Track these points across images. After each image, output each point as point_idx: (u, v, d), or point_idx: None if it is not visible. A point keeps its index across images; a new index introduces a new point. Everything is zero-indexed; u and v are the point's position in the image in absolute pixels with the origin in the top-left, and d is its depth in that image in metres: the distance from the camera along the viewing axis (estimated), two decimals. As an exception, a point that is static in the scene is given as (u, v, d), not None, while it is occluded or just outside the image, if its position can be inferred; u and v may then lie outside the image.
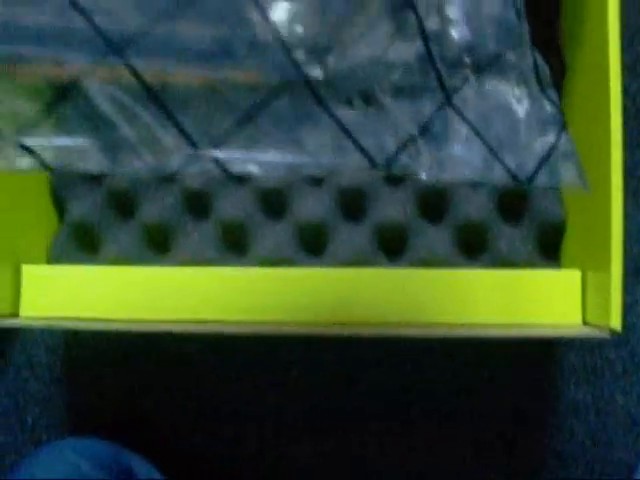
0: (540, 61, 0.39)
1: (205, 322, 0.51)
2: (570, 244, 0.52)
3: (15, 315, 0.52)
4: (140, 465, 0.57)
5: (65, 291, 0.52)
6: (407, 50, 0.35)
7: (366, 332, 0.51)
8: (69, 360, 0.65)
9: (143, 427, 0.63)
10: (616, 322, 0.43)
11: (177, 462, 0.62)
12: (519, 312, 0.48)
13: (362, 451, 0.63)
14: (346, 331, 0.50)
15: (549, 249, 0.54)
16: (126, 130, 0.32)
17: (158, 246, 0.57)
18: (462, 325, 0.48)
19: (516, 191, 0.54)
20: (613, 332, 0.43)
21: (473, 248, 0.55)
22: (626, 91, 0.62)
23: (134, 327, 0.51)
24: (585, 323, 0.48)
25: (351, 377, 0.63)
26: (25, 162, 0.32)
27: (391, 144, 0.34)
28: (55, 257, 0.57)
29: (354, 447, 0.63)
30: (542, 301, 0.48)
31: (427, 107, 0.36)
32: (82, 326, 0.53)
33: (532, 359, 0.62)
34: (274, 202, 0.57)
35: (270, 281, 0.50)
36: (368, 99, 0.35)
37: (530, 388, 0.62)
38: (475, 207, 0.54)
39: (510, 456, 0.62)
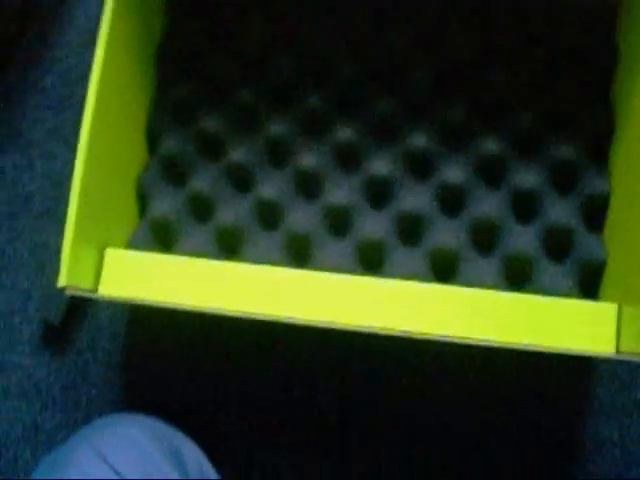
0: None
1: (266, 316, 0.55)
2: (609, 281, 0.57)
3: (94, 291, 0.57)
4: (190, 448, 0.60)
5: (140, 275, 0.57)
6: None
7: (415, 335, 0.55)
8: (129, 348, 0.70)
9: (194, 418, 0.67)
10: None
11: (223, 449, 0.66)
12: (554, 337, 0.52)
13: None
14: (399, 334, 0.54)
15: (589, 287, 0.58)
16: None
17: (228, 249, 0.63)
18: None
19: (562, 230, 0.59)
20: None
21: (518, 280, 0.59)
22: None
23: (199, 309, 0.55)
24: (618, 352, 0.51)
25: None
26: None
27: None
28: (132, 248, 0.62)
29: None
30: (577, 329, 0.52)
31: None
32: (151, 302, 0.58)
33: (562, 392, 0.65)
34: (340, 219, 0.62)
35: (330, 287, 0.55)
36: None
37: (558, 420, 0.65)
38: (523, 242, 0.59)
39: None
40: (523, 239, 0.59)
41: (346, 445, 0.67)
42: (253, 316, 0.55)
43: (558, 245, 0.59)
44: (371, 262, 0.61)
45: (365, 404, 0.67)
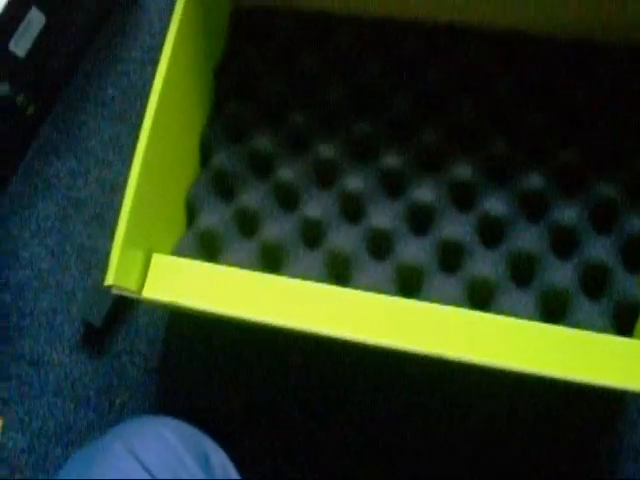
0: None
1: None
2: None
3: (138, 293, 0.59)
4: (217, 454, 0.61)
5: (183, 281, 0.58)
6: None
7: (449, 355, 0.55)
8: (166, 354, 0.71)
9: (224, 426, 0.68)
10: None
11: (249, 458, 0.67)
12: (587, 370, 0.52)
13: None
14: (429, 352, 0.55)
15: (624, 326, 0.59)
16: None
17: (271, 264, 0.64)
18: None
19: (599, 267, 0.59)
20: None
21: (553, 314, 0.60)
22: None
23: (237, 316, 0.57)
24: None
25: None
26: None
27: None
28: (178, 256, 0.64)
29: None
30: (610, 363, 0.52)
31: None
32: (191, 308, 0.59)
33: (591, 430, 0.65)
34: (381, 243, 0.63)
35: (373, 307, 0.56)
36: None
37: (581, 459, 0.65)
38: (561, 277, 0.60)
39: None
40: (560, 274, 0.60)
41: (371, 465, 0.67)
42: (289, 329, 0.56)
43: (595, 283, 0.60)
44: (409, 287, 0.62)
45: (394, 423, 0.68)
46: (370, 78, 0.69)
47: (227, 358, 0.71)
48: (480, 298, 0.61)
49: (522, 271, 0.61)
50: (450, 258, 0.62)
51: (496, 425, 0.67)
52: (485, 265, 0.61)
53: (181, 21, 0.62)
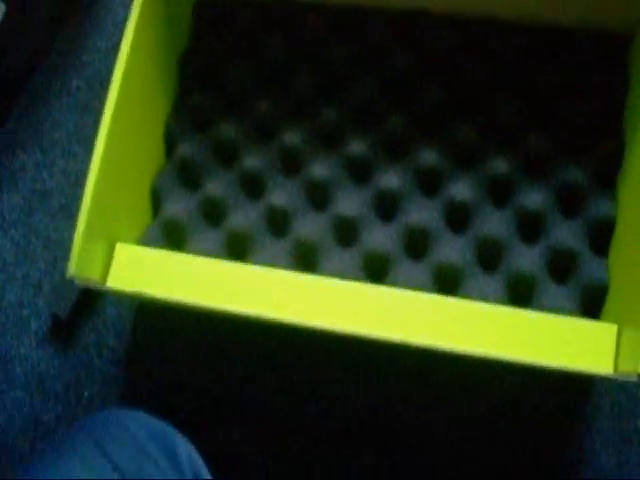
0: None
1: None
2: (611, 303, 0.57)
3: (102, 283, 0.59)
4: (185, 448, 0.60)
5: (147, 270, 0.58)
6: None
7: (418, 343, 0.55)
8: (134, 346, 0.71)
9: (192, 418, 0.68)
10: None
11: (218, 450, 0.66)
12: (553, 354, 0.52)
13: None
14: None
15: (591, 309, 0.59)
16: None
17: (237, 253, 0.64)
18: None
19: (566, 252, 0.59)
20: None
21: (520, 298, 0.59)
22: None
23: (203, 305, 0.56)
24: (616, 372, 0.52)
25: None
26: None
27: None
28: (142, 246, 0.63)
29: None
30: (577, 347, 0.52)
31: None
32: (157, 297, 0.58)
33: (560, 416, 0.65)
34: (347, 230, 0.63)
35: (339, 294, 0.56)
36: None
37: (555, 450, 0.65)
38: (527, 261, 0.59)
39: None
40: (527, 259, 0.60)
41: (346, 452, 0.67)
42: (256, 317, 0.56)
43: (562, 267, 0.60)
44: (376, 273, 0.62)
45: (366, 412, 0.68)
46: (335, 65, 0.68)
47: (195, 349, 0.70)
48: (447, 283, 0.61)
49: (489, 256, 0.61)
50: (417, 244, 0.62)
51: (463, 411, 0.67)
52: (452, 250, 0.61)
53: (142, 10, 0.61)
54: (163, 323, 0.71)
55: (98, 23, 0.81)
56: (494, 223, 0.61)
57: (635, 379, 0.48)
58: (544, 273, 0.60)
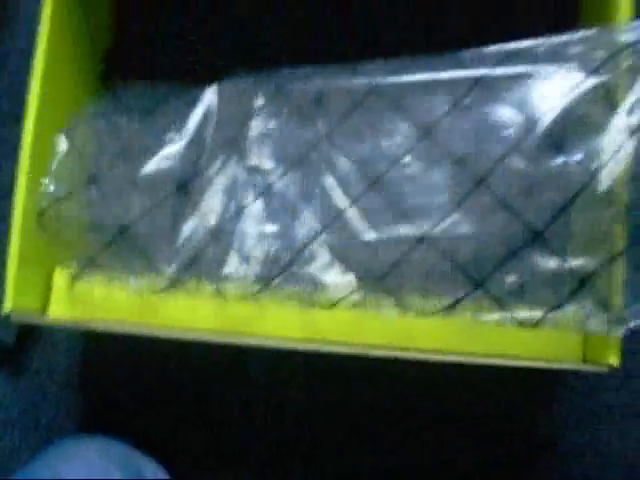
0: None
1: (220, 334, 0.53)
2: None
3: (43, 314, 0.55)
4: (149, 466, 0.59)
5: (89, 298, 0.55)
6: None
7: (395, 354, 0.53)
8: (85, 366, 0.68)
9: (152, 434, 0.66)
10: (614, 358, 0.46)
11: (184, 467, 0.65)
12: (525, 347, 0.51)
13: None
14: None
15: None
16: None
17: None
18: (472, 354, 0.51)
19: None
20: (611, 368, 0.46)
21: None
22: None
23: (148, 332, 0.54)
24: (585, 361, 0.50)
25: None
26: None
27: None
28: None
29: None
30: (546, 339, 0.51)
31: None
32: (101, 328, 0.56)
33: (530, 400, 0.64)
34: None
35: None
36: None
37: (527, 429, 0.64)
38: None
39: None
40: None
41: (312, 466, 0.66)
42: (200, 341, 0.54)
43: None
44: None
45: (334, 418, 0.66)
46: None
47: (149, 366, 0.68)
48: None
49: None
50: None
51: (437, 407, 0.66)
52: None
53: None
54: (113, 340, 0.67)
55: (8, 24, 0.75)
56: None
57: (605, 370, 0.47)
58: None
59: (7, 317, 0.51)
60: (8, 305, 0.51)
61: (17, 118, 0.73)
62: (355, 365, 0.64)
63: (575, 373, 0.64)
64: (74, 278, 0.55)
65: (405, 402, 0.65)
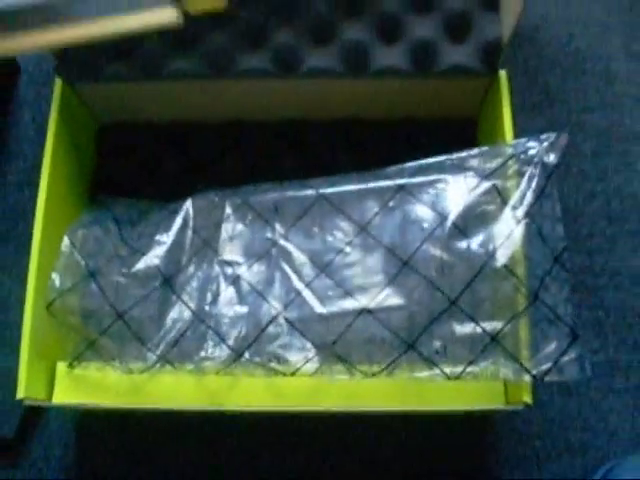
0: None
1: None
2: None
3: (48, 401, 0.65)
4: None
5: (88, 387, 0.65)
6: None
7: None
8: (80, 455, 0.76)
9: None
10: (528, 398, 0.58)
11: None
12: (459, 399, 0.62)
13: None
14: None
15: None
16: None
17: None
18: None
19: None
20: (526, 405, 0.58)
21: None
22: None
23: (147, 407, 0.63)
24: (507, 403, 0.62)
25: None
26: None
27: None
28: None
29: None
30: (474, 388, 0.62)
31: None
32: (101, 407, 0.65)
33: (469, 449, 0.75)
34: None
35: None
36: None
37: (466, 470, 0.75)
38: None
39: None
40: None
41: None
42: (195, 410, 0.64)
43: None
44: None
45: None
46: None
47: (142, 449, 0.76)
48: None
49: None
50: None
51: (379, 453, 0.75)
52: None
53: (54, 142, 0.70)
54: (107, 427, 0.76)
55: (6, 159, 0.87)
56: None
57: (521, 407, 0.59)
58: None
59: (20, 402, 0.61)
60: (20, 394, 0.61)
61: (12, 237, 0.83)
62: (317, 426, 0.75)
63: (504, 424, 0.76)
64: (75, 361, 0.65)
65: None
